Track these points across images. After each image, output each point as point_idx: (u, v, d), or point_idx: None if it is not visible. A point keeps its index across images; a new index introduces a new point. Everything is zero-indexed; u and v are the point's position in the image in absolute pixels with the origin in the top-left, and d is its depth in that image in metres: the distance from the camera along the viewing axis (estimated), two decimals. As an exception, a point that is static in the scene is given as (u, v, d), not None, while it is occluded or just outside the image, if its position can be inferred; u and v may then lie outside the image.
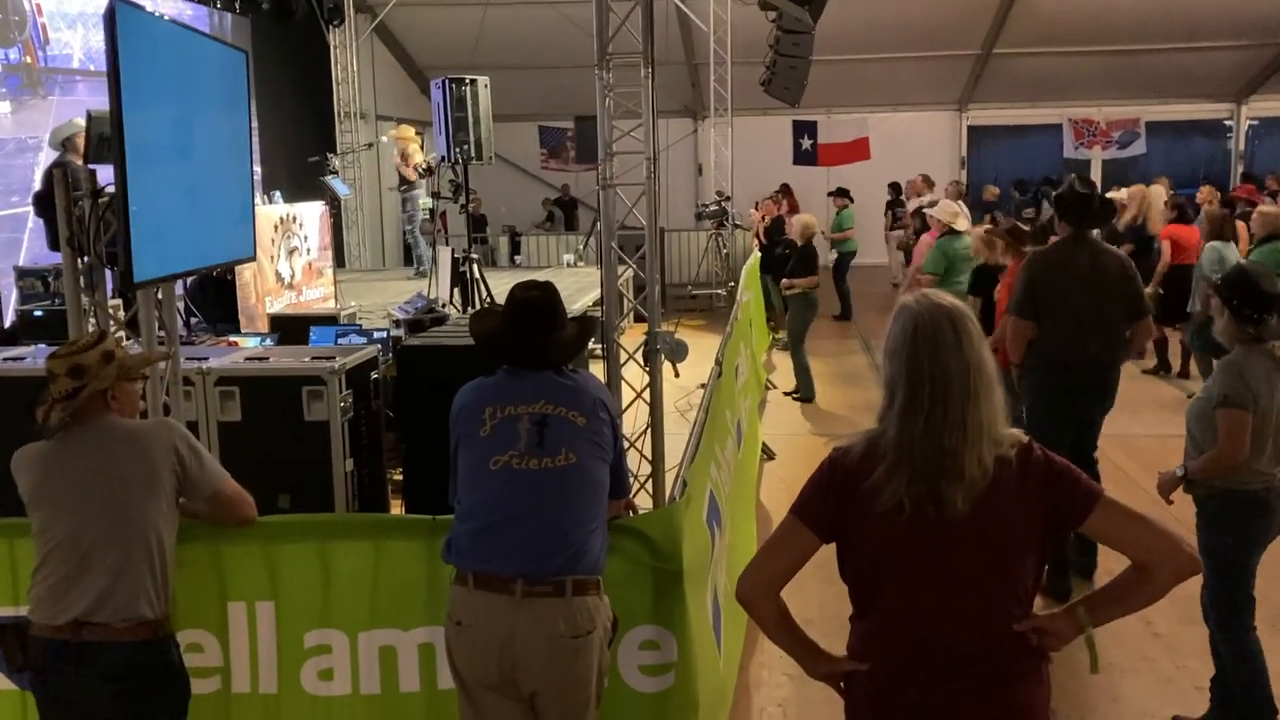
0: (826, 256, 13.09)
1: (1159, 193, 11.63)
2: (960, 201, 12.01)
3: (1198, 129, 19.59)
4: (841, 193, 15.19)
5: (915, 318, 2.20)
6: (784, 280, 9.67)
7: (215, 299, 8.34)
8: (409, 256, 17.03)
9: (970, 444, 2.14)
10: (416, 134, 13.50)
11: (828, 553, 2.32)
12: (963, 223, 8.35)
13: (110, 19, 3.55)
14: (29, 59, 9.50)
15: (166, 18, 4.96)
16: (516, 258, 16.14)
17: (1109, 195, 9.66)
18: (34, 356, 5.20)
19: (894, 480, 2.16)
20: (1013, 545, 2.19)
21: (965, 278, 7.32)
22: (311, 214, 10.16)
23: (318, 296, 10.01)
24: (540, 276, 3.38)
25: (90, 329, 4.21)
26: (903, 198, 16.42)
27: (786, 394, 9.84)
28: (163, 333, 4.43)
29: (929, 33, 16.86)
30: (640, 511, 3.51)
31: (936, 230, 8.30)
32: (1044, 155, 19.59)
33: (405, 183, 13.24)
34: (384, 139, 14.29)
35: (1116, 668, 4.56)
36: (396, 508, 5.29)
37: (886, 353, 2.26)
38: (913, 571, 2.20)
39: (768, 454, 7.82)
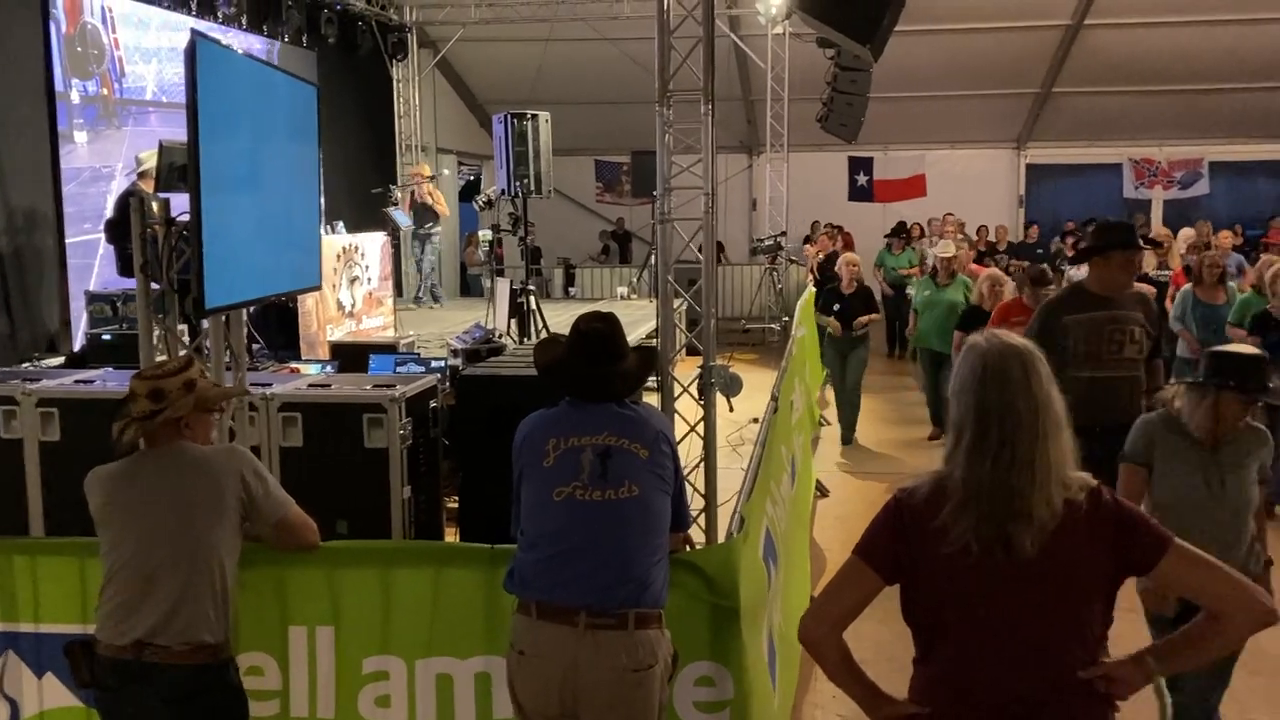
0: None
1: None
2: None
3: (1262, 170, 19.22)
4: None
5: (984, 356, 2.19)
6: (857, 320, 9.34)
7: (277, 325, 8.47)
8: (465, 287, 17.24)
9: (1039, 485, 2.11)
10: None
11: (883, 593, 2.30)
12: None
13: (191, 54, 3.65)
14: (106, 91, 9.77)
15: (240, 51, 5.09)
16: (571, 289, 16.23)
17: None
18: (102, 379, 5.31)
19: (961, 521, 2.14)
20: (1081, 589, 2.16)
21: None
22: (373, 244, 10.32)
23: (377, 325, 10.14)
24: (594, 308, 3.41)
25: (159, 354, 4.32)
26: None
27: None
28: (230, 358, 4.53)
29: (988, 71, 16.76)
30: (696, 545, 3.50)
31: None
32: (1104, 195, 19.31)
33: (433, 218, 13.33)
34: (445, 172, 14.44)
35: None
36: (450, 535, 5.32)
37: (953, 392, 2.23)
38: (979, 614, 2.17)
39: (821, 491, 7.76)
